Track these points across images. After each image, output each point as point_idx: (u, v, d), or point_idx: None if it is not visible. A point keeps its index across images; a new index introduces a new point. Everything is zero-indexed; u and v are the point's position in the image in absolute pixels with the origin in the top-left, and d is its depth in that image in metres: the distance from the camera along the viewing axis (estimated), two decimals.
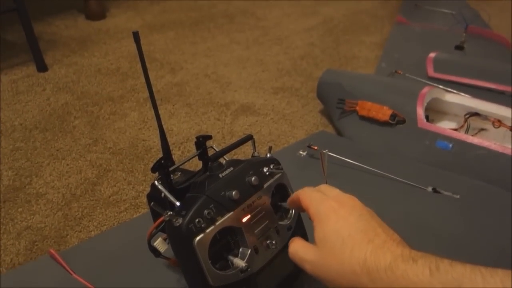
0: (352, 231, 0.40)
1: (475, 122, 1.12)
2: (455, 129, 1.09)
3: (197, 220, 0.46)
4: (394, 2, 2.34)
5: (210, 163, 0.54)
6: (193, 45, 1.98)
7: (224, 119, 1.42)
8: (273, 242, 0.53)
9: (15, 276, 0.73)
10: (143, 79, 0.53)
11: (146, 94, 1.55)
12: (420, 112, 1.08)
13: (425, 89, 1.13)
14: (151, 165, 0.53)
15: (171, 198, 0.51)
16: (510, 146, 0.96)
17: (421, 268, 0.34)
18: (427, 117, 1.10)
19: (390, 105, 1.12)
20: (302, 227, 0.60)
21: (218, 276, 0.48)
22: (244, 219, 0.51)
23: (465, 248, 0.72)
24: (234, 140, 0.61)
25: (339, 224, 0.41)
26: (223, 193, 0.50)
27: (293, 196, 0.49)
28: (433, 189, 0.87)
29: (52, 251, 0.68)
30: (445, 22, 1.78)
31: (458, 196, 0.85)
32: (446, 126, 1.11)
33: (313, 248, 0.43)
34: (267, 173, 0.56)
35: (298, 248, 0.45)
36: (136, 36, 0.50)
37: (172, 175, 0.57)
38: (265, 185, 0.55)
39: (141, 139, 1.32)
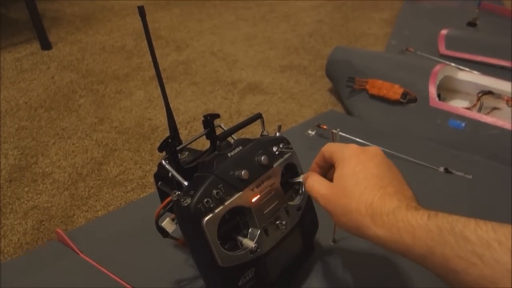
0: (368, 174, 0.43)
1: (488, 101, 1.10)
2: (468, 108, 1.06)
3: (205, 200, 0.45)
4: None
5: (218, 142, 0.53)
6: (199, 22, 1.95)
7: (231, 98, 1.40)
8: (283, 222, 0.52)
9: (23, 258, 0.73)
10: (148, 57, 0.51)
11: (152, 72, 1.53)
12: (432, 90, 1.06)
13: (438, 67, 1.10)
14: (158, 144, 0.52)
15: (179, 177, 0.49)
16: None
17: (421, 214, 0.37)
18: (438, 96, 1.08)
19: (401, 83, 1.10)
20: (312, 208, 0.59)
21: (227, 256, 0.47)
22: (254, 199, 0.50)
23: None
24: (242, 119, 0.59)
25: (358, 167, 0.44)
26: (232, 172, 0.49)
27: (315, 159, 0.51)
28: (445, 169, 0.85)
29: (59, 231, 0.68)
30: None
31: (470, 177, 0.83)
32: (458, 105, 1.09)
33: (328, 184, 0.46)
34: (276, 153, 0.54)
35: (315, 182, 0.47)
36: (141, 10, 0.49)
37: (179, 155, 0.55)
38: (275, 165, 0.53)
39: (147, 118, 1.30)
